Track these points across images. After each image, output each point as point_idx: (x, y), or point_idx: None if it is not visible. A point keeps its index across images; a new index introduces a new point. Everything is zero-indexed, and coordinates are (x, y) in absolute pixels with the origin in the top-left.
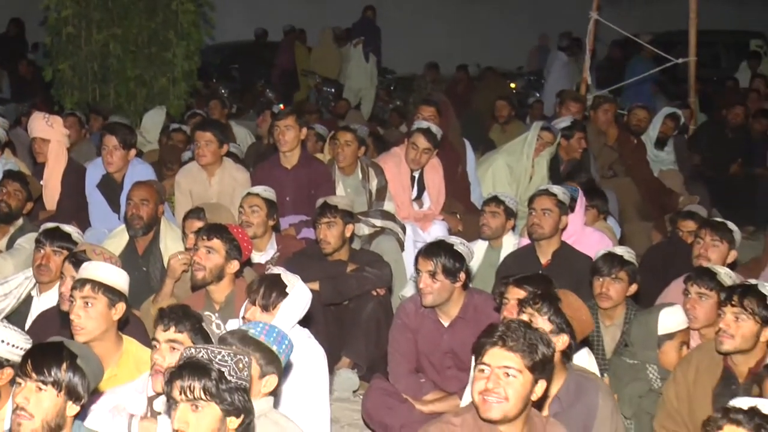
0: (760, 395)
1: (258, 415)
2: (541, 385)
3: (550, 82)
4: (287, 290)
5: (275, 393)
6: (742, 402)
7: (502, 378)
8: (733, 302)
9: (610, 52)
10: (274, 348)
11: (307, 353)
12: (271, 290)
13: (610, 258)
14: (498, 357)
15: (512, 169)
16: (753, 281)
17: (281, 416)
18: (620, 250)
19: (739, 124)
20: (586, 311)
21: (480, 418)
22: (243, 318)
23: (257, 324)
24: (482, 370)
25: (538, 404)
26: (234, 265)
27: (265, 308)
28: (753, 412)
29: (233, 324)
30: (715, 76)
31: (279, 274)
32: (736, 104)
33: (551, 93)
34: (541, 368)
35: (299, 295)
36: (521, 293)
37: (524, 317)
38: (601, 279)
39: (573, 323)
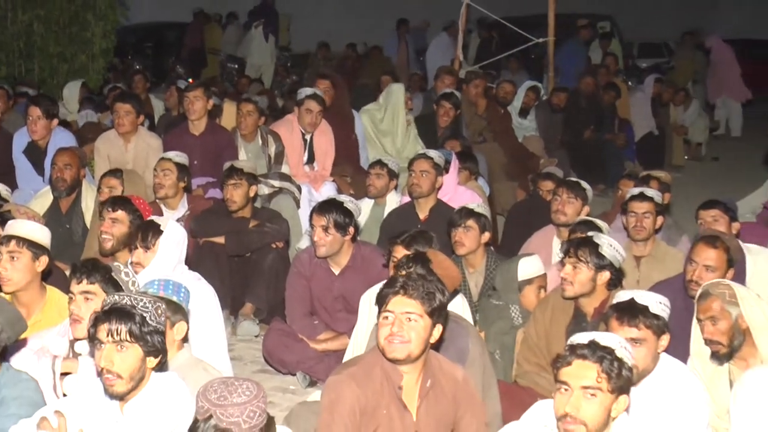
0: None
1: (183, 366)
2: (438, 329)
3: (431, 59)
4: (161, 228)
5: (187, 339)
6: (582, 337)
7: (405, 322)
8: (570, 254)
9: (480, 32)
10: (174, 298)
11: (199, 294)
12: (147, 232)
13: (463, 211)
14: (400, 304)
15: (375, 124)
16: (590, 233)
17: (206, 363)
18: (472, 205)
19: (591, 92)
20: (454, 268)
21: (386, 359)
22: (132, 263)
23: (152, 283)
24: (386, 317)
25: None
26: None
27: (146, 248)
28: (594, 345)
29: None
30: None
31: (152, 219)
32: (586, 75)
33: (432, 68)
34: (438, 313)
35: (172, 231)
36: (407, 252)
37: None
38: (455, 229)
39: (444, 280)
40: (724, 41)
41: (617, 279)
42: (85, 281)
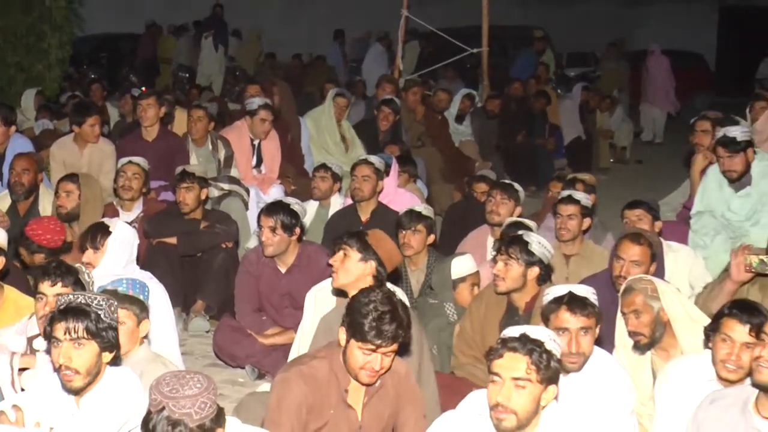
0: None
1: (142, 360)
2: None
3: (366, 68)
4: (110, 229)
5: (147, 336)
6: (514, 330)
7: (385, 359)
8: (501, 252)
9: (419, 43)
10: (141, 297)
11: (151, 293)
12: (96, 233)
13: (411, 214)
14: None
15: (317, 127)
16: (520, 232)
17: (164, 358)
18: (419, 208)
19: (520, 97)
20: (393, 247)
21: (361, 383)
22: (83, 263)
23: (120, 281)
24: (367, 353)
25: None
26: None
27: (95, 248)
28: (524, 338)
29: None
30: (504, 63)
31: (102, 221)
32: (514, 81)
33: (369, 77)
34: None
35: (121, 231)
36: None
37: (340, 253)
38: (404, 231)
39: (379, 251)
40: (646, 52)
41: (546, 274)
42: (59, 284)
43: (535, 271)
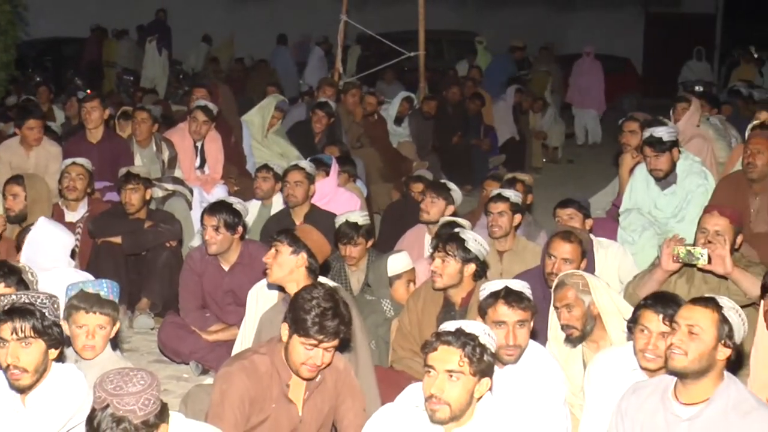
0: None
1: (105, 360)
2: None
3: (309, 72)
4: (30, 227)
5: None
6: (450, 325)
7: (326, 354)
8: (439, 249)
9: (359, 47)
10: (112, 297)
11: None
12: (25, 233)
13: (349, 226)
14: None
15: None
16: (456, 230)
17: (119, 356)
18: (355, 217)
19: (457, 101)
20: (317, 234)
21: (301, 378)
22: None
23: (101, 284)
24: (310, 349)
25: None
26: None
27: (18, 247)
28: (459, 332)
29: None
30: (440, 67)
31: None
32: (453, 86)
33: (312, 81)
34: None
35: (39, 229)
36: None
37: (272, 250)
38: (346, 246)
39: (308, 244)
40: (576, 55)
41: (482, 271)
42: (2, 284)
43: (471, 267)
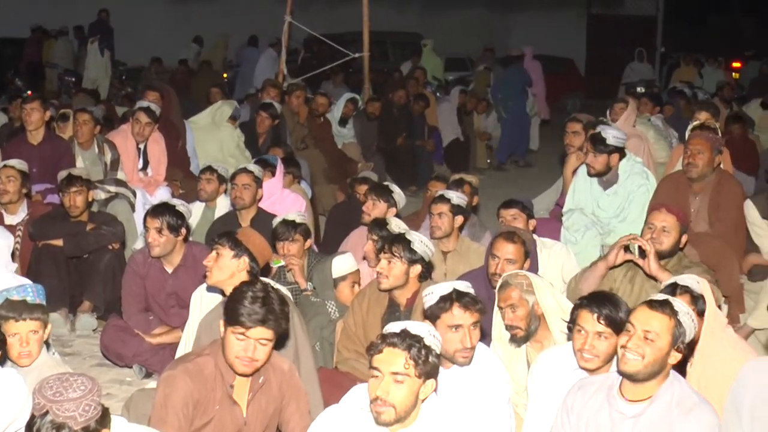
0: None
1: (42, 365)
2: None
3: (259, 72)
4: None
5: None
6: (395, 326)
7: (258, 347)
8: (385, 250)
9: (304, 48)
10: (39, 301)
11: None
12: None
13: (286, 224)
14: (259, 333)
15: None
16: (401, 231)
17: (57, 359)
18: (292, 216)
19: (403, 104)
20: (259, 237)
21: (236, 374)
22: None
23: (25, 289)
24: (241, 339)
25: None
26: None
27: None
28: (404, 333)
29: None
30: (385, 68)
31: None
32: (399, 88)
33: (260, 81)
34: (284, 334)
35: None
36: None
37: (213, 253)
38: (281, 242)
39: (250, 247)
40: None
41: (428, 272)
42: None
43: (417, 268)
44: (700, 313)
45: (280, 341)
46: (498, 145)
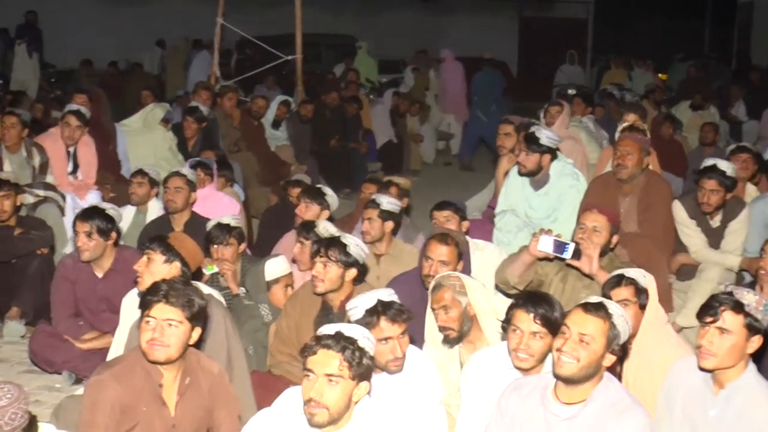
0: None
1: None
2: (197, 331)
3: (193, 74)
4: None
5: None
6: (329, 328)
7: (165, 328)
8: (321, 254)
9: (238, 51)
10: None
11: None
12: None
13: (220, 227)
14: (162, 311)
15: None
16: (337, 233)
17: None
18: (226, 219)
19: (335, 106)
20: (191, 242)
21: (147, 360)
22: None
23: None
24: (148, 322)
25: None
26: None
27: None
28: (339, 335)
29: None
30: (318, 70)
31: None
32: (332, 90)
33: (192, 83)
34: (197, 318)
35: None
36: None
37: (144, 258)
38: (215, 246)
39: (181, 252)
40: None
41: (363, 274)
42: None
43: (352, 272)
44: (642, 307)
45: (201, 341)
46: (462, 144)
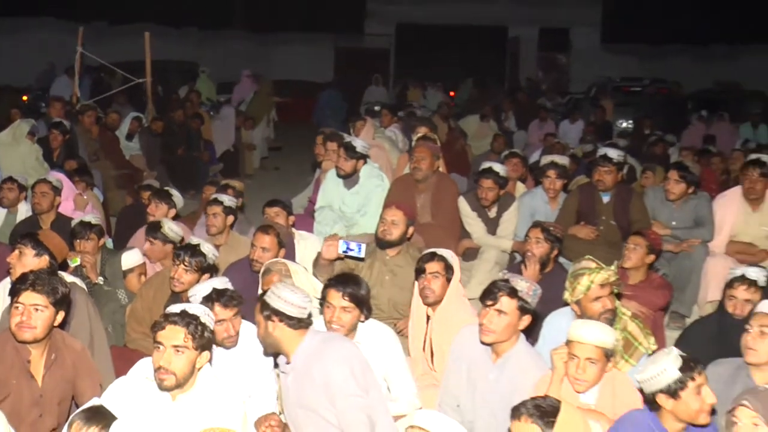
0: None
1: None
2: (60, 314)
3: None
4: None
5: None
6: (176, 307)
7: (33, 313)
8: (185, 262)
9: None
10: None
11: None
12: None
13: (83, 225)
14: (29, 297)
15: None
16: (177, 234)
17: None
18: (88, 218)
19: (181, 122)
20: (57, 238)
21: (17, 340)
22: None
23: None
24: (17, 307)
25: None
26: None
27: None
28: (184, 313)
29: None
30: (166, 91)
31: None
32: (177, 109)
33: None
34: (61, 302)
35: None
36: None
37: (16, 252)
38: (78, 240)
39: (49, 246)
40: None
41: (209, 268)
42: None
43: (207, 276)
44: (448, 280)
45: (66, 322)
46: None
